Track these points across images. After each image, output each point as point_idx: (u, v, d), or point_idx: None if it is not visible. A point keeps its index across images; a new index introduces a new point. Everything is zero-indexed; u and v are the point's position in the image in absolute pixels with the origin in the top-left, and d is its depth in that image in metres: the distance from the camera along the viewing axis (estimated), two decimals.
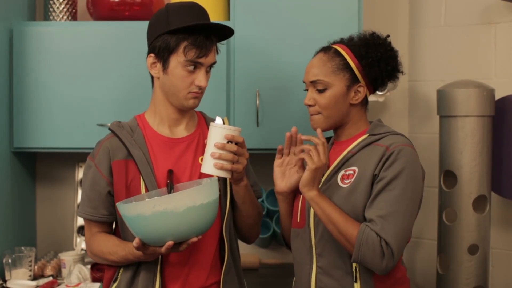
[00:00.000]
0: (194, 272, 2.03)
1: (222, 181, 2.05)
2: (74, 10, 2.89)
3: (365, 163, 1.96)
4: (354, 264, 1.94)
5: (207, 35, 2.00)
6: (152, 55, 2.03)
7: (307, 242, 2.02)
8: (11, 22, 2.77)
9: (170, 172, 2.02)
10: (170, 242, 1.81)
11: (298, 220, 2.05)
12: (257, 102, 2.68)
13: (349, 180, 1.96)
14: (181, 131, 2.09)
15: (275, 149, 2.51)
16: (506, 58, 2.79)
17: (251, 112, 2.70)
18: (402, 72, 2.09)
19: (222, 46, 2.65)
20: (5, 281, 2.68)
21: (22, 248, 2.77)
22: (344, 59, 2.01)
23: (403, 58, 2.07)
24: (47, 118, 2.74)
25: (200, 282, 2.03)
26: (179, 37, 1.98)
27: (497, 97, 2.59)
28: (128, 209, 1.81)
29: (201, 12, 2.04)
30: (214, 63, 2.06)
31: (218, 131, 1.93)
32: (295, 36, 2.68)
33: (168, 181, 2.00)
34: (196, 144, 2.09)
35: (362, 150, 2.00)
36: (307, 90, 2.06)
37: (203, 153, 1.99)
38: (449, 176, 2.53)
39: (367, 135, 2.02)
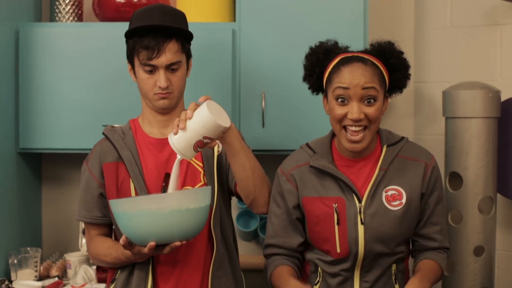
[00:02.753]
0: (187, 272, 2.02)
1: (208, 167, 2.03)
2: (80, 11, 2.90)
3: (409, 183, 1.99)
4: (393, 268, 2.00)
5: (154, 35, 1.96)
6: (127, 61, 2.08)
7: (350, 266, 2.00)
8: (17, 23, 2.77)
9: (167, 175, 2.01)
10: (152, 243, 1.80)
11: (339, 251, 1.98)
12: (263, 103, 2.67)
13: (397, 202, 1.97)
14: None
15: (281, 151, 2.50)
16: (511, 60, 2.78)
17: (257, 114, 2.69)
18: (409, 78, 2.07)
19: (227, 47, 2.68)
20: (11, 281, 2.69)
21: (28, 248, 2.78)
22: (381, 72, 1.96)
23: (409, 59, 2.06)
24: (53, 119, 2.75)
25: (195, 283, 2.02)
26: (132, 40, 2.01)
27: (503, 98, 2.58)
28: (116, 205, 1.83)
29: (162, 13, 1.99)
30: (177, 62, 2.00)
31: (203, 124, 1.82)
32: (300, 37, 2.67)
33: (163, 184, 2.00)
34: None
35: (392, 166, 2.00)
36: (343, 100, 1.92)
37: None
38: (454, 178, 2.53)
39: (385, 147, 2.02)
